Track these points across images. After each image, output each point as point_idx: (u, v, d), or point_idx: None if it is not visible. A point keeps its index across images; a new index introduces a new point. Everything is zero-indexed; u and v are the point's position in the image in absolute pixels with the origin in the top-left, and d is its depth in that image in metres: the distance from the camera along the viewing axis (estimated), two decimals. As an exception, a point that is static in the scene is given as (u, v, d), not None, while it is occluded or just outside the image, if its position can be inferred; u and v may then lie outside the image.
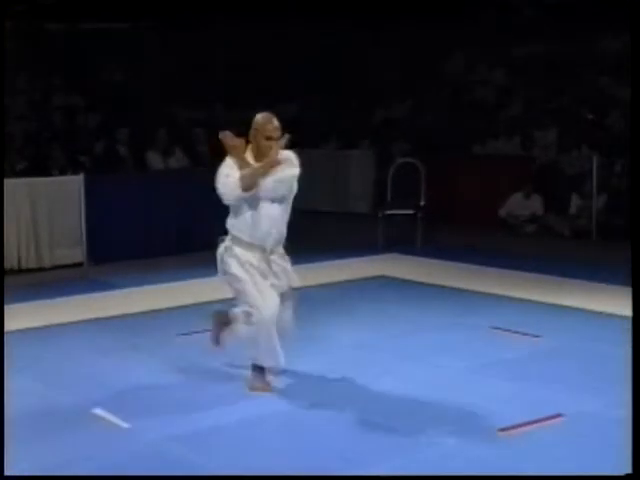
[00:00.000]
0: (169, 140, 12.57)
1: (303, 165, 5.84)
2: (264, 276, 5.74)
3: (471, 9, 15.14)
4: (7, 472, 4.23)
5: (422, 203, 12.00)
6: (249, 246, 5.74)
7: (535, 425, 5.13)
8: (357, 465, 4.63)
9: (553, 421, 5.20)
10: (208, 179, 5.91)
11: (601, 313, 7.79)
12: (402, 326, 7.55)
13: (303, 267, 10.01)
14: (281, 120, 5.79)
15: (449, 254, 10.57)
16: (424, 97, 15.45)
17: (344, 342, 7.02)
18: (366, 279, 9.57)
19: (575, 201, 12.37)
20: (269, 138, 5.78)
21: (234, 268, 5.73)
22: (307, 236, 12.51)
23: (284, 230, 5.87)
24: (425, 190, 12.19)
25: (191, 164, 12.45)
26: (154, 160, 12.34)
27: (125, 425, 5.27)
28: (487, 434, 5.02)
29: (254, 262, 5.72)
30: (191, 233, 10.77)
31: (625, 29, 14.10)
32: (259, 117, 5.87)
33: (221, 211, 5.87)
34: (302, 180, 5.83)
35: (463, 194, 13.26)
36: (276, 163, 5.72)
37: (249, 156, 5.84)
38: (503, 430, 5.06)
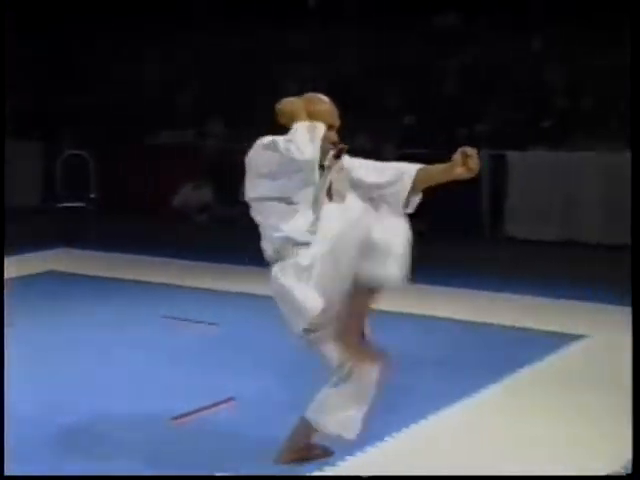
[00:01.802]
0: None
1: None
2: None
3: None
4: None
5: (92, 195, 11.79)
6: None
7: (209, 410, 5.11)
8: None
9: (226, 405, 5.20)
10: None
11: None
12: (72, 322, 7.28)
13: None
14: None
15: (121, 246, 10.40)
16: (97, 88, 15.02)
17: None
18: (33, 275, 9.15)
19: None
20: (331, 126, 4.15)
21: None
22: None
23: None
24: (97, 182, 11.96)
25: None
26: None
27: None
28: (161, 423, 4.92)
29: None
30: None
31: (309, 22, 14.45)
32: (307, 99, 4.19)
33: None
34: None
35: (137, 185, 13.11)
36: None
37: None
38: (177, 418, 4.98)
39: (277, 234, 4.14)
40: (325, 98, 4.19)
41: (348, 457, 4.40)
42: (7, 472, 3.70)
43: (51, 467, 4.30)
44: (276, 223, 4.15)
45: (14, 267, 9.42)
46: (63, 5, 14.84)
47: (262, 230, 4.25)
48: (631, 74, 4.10)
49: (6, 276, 8.99)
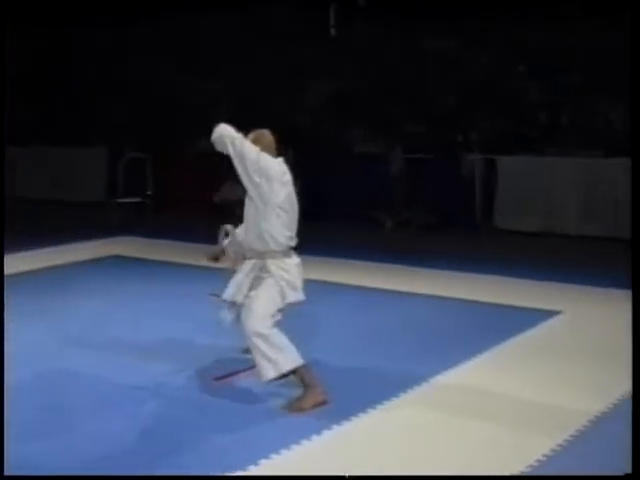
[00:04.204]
0: None
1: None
2: None
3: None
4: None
5: (149, 192, 11.88)
6: None
7: (243, 374, 5.09)
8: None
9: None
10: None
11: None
12: (132, 296, 7.30)
13: (37, 252, 9.49)
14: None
15: (174, 235, 10.43)
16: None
17: (80, 312, 6.68)
18: (101, 259, 9.19)
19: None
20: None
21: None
22: (47, 224, 11.90)
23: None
24: (153, 181, 12.02)
25: None
26: None
27: None
28: (205, 383, 4.95)
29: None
30: None
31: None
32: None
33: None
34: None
35: (184, 184, 13.06)
36: None
37: None
38: (218, 379, 4.99)
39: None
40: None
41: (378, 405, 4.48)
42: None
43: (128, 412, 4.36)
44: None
45: (85, 252, 9.49)
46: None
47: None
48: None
49: (77, 259, 9.07)
